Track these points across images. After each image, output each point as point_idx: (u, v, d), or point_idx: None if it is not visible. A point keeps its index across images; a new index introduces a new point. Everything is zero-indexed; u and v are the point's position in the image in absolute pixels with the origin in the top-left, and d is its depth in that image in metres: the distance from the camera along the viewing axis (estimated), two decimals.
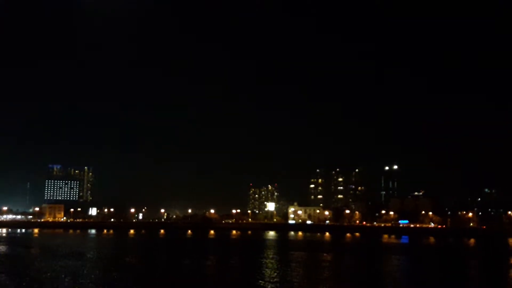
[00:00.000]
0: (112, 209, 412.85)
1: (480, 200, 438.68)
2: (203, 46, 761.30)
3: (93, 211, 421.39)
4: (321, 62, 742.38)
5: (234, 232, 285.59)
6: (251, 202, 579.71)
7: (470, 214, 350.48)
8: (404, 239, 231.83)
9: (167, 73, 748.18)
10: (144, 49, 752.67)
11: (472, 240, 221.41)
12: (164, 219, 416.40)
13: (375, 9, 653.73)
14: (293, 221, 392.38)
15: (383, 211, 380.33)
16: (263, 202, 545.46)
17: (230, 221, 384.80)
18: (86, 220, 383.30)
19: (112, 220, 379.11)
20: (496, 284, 72.72)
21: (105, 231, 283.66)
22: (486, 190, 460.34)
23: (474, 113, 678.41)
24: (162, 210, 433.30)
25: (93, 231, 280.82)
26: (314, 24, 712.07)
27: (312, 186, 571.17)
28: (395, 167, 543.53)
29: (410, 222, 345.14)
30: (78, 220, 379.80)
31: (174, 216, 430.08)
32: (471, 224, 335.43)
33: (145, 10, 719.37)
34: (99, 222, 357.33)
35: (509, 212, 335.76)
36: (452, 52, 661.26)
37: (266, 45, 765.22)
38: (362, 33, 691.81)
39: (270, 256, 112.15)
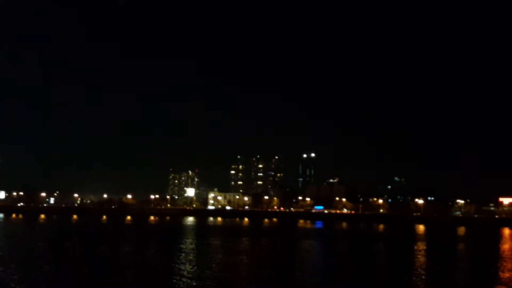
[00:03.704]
0: (21, 193, 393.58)
1: (390, 188, 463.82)
2: None
3: (1, 195, 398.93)
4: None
5: (152, 218, 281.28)
6: (170, 187, 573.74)
7: (381, 201, 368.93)
8: (319, 224, 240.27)
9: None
10: None
11: (381, 226, 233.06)
12: (77, 204, 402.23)
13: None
14: (213, 207, 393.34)
15: (300, 197, 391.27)
16: (183, 187, 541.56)
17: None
18: None
19: (21, 204, 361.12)
20: (400, 265, 77.10)
21: (14, 215, 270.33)
22: (396, 178, 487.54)
23: (392, 106, 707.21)
24: (76, 195, 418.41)
25: (1, 215, 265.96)
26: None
27: (232, 172, 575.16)
28: (313, 155, 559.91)
29: (325, 208, 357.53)
30: None
31: (89, 201, 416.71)
32: (381, 210, 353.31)
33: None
34: (7, 206, 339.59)
35: (416, 200, 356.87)
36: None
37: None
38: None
39: (188, 243, 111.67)
